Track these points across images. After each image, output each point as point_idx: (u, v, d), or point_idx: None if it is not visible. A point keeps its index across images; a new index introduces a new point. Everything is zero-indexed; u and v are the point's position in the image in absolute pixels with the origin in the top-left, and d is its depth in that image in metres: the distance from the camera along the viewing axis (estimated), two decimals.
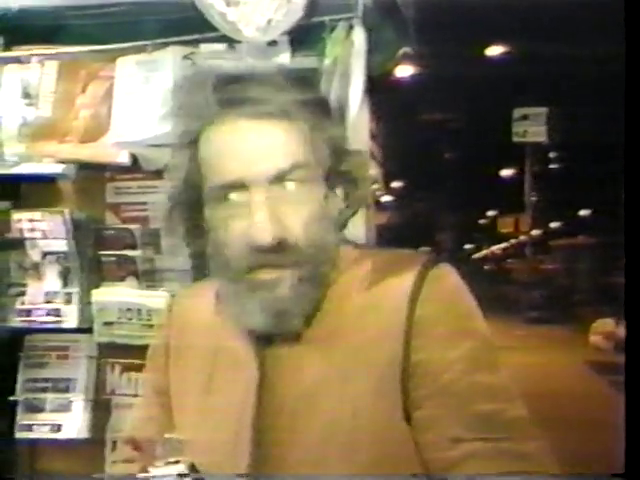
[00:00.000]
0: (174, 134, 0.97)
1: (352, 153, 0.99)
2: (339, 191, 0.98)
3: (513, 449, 0.86)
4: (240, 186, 0.90)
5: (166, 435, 0.99)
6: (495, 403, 0.88)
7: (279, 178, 0.90)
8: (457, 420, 0.88)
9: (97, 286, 1.79)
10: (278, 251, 0.90)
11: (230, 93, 0.92)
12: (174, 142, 0.97)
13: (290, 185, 0.91)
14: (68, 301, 1.79)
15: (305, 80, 0.97)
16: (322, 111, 0.96)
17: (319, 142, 0.94)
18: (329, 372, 0.93)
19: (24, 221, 1.77)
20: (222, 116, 0.92)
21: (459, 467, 0.87)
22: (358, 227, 1.62)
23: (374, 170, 1.94)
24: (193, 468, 0.99)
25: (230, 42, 1.72)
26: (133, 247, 1.78)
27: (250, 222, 0.89)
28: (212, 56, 1.72)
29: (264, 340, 0.97)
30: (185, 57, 1.75)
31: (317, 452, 0.91)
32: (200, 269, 1.57)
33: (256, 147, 0.90)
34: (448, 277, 0.95)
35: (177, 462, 0.97)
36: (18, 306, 1.81)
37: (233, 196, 0.91)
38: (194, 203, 0.96)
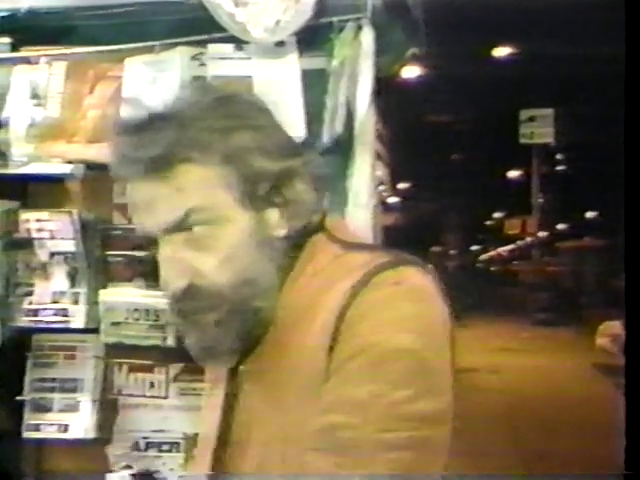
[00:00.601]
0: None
1: (269, 172, 0.91)
2: (276, 211, 0.92)
3: (333, 470, 0.81)
4: (149, 240, 0.92)
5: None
6: (347, 417, 0.82)
7: (176, 228, 0.89)
8: (312, 430, 0.84)
9: (104, 286, 1.79)
10: (190, 298, 0.90)
11: (119, 153, 0.91)
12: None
13: (196, 229, 0.89)
14: (75, 301, 1.79)
15: (202, 113, 0.90)
16: (218, 143, 0.89)
17: (223, 177, 0.89)
18: (277, 377, 0.92)
19: (32, 221, 1.77)
20: (123, 173, 0.92)
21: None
22: (365, 229, 1.63)
23: (381, 171, 1.93)
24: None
25: (238, 43, 1.72)
26: (140, 247, 1.77)
27: (160, 273, 0.91)
28: (220, 57, 1.73)
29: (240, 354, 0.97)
30: (193, 57, 1.75)
31: (256, 460, 0.91)
32: None
33: (144, 205, 0.90)
34: (391, 283, 0.87)
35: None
36: (26, 306, 1.80)
37: (153, 246, 0.92)
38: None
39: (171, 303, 0.92)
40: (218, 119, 0.90)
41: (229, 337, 0.91)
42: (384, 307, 0.85)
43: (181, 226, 0.88)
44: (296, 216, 0.93)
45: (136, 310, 1.74)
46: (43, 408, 1.82)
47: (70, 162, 1.76)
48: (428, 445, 0.83)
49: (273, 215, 0.92)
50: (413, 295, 0.87)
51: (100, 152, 1.77)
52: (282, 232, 0.92)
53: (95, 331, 1.79)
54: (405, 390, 0.82)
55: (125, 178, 0.91)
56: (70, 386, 1.83)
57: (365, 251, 0.94)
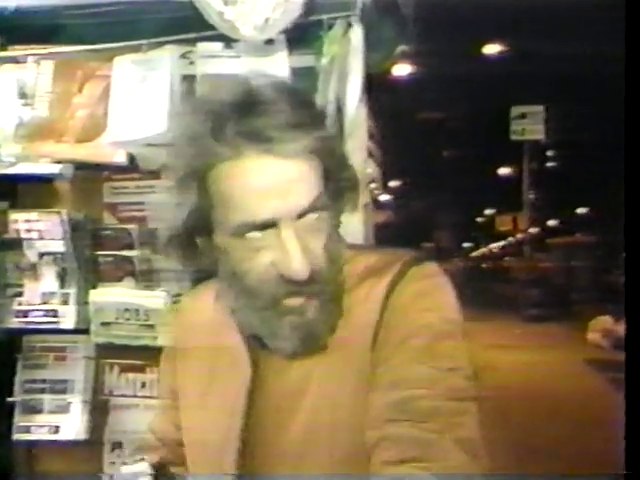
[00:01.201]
0: (180, 167, 0.95)
1: (350, 162, 1.01)
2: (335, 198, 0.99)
3: (420, 436, 0.87)
4: (266, 225, 0.91)
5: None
6: (422, 390, 0.90)
7: (305, 212, 0.92)
8: (383, 404, 0.90)
9: (94, 286, 1.78)
10: (309, 282, 0.92)
11: (250, 128, 0.89)
12: (179, 175, 0.94)
13: (313, 216, 0.92)
14: (65, 302, 1.78)
15: (313, 106, 0.99)
16: (330, 135, 0.97)
17: (329, 168, 0.95)
18: (312, 371, 0.95)
19: (21, 222, 1.76)
20: (242, 151, 0.90)
21: (376, 449, 0.88)
22: (356, 227, 1.63)
23: (372, 169, 1.93)
24: (159, 466, 1.03)
25: (227, 41, 1.71)
26: (130, 247, 1.77)
27: (283, 256, 0.90)
28: (209, 55, 1.72)
29: (258, 342, 0.99)
30: (182, 56, 1.74)
31: (298, 450, 0.94)
32: (197, 270, 1.57)
33: (285, 184, 0.90)
34: (425, 276, 0.97)
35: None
36: (15, 307, 1.79)
37: (258, 232, 0.91)
38: (198, 231, 0.96)
39: (284, 285, 0.91)
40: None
41: (330, 319, 0.95)
42: (424, 296, 0.95)
43: (309, 210, 0.92)
44: (350, 207, 1.01)
45: (126, 310, 1.73)
46: (33, 410, 1.81)
47: (59, 162, 1.75)
48: (476, 411, 0.93)
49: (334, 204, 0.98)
50: (442, 286, 0.98)
51: (89, 152, 1.77)
52: (337, 223, 1.00)
53: (85, 332, 1.78)
54: (458, 363, 0.93)
55: (250, 158, 0.90)
56: (61, 387, 1.82)
57: (374, 252, 1.04)
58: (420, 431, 0.87)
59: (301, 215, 0.91)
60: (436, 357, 0.92)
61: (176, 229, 0.97)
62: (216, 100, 0.93)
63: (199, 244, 0.98)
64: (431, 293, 0.96)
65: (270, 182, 0.89)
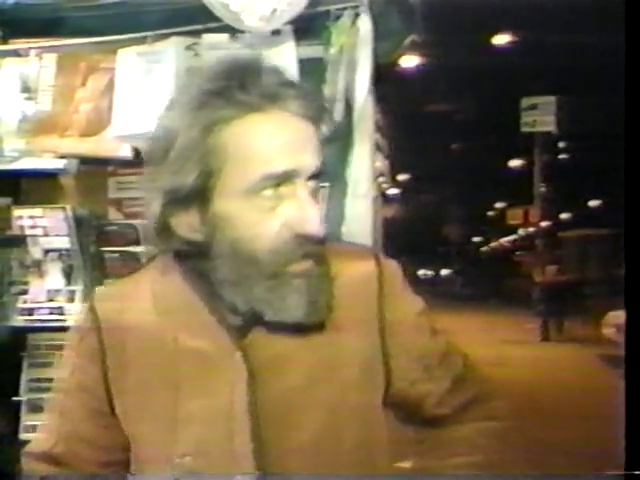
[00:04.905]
0: (192, 122, 0.90)
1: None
2: None
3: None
4: (285, 178, 0.90)
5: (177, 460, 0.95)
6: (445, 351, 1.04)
7: (315, 174, 0.92)
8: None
9: (100, 283, 1.75)
10: (318, 244, 0.92)
11: (275, 86, 0.91)
12: (190, 131, 0.90)
13: (316, 181, 0.93)
14: (71, 299, 1.76)
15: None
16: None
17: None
18: (317, 363, 0.95)
19: (25, 218, 1.74)
20: (264, 107, 0.90)
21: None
22: (365, 220, 1.60)
23: (380, 162, 1.91)
24: None
25: (233, 32, 1.69)
26: (137, 243, 1.75)
27: (301, 213, 0.90)
28: (214, 46, 1.69)
29: (237, 335, 0.94)
30: (187, 48, 1.71)
31: (314, 444, 0.93)
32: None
33: (304, 141, 0.92)
34: (395, 267, 1.03)
35: None
36: (20, 305, 1.78)
37: (275, 187, 0.90)
38: (193, 198, 0.91)
39: (297, 246, 0.91)
40: None
41: (327, 290, 0.94)
42: (403, 285, 1.02)
43: (320, 172, 0.93)
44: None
45: None
46: (40, 409, 1.79)
47: (63, 157, 1.73)
48: None
49: None
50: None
51: (94, 146, 1.74)
52: None
53: None
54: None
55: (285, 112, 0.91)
56: None
57: (330, 245, 1.03)
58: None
59: (314, 176, 0.92)
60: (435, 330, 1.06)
61: (178, 192, 0.91)
62: (226, 62, 0.94)
63: (173, 226, 0.92)
64: (404, 280, 1.03)
65: (291, 136, 0.91)
